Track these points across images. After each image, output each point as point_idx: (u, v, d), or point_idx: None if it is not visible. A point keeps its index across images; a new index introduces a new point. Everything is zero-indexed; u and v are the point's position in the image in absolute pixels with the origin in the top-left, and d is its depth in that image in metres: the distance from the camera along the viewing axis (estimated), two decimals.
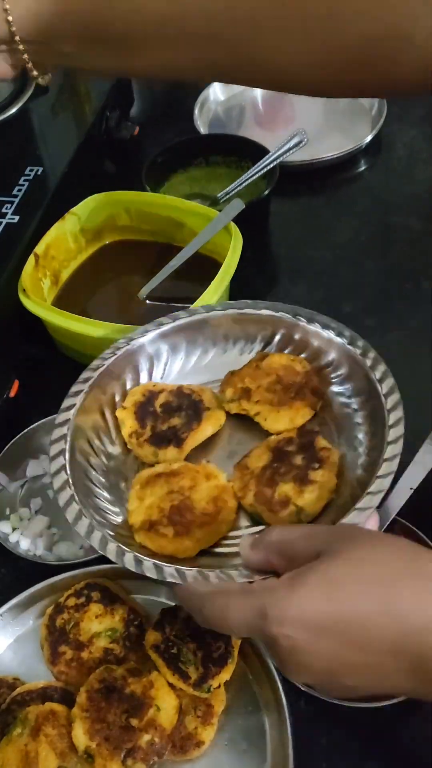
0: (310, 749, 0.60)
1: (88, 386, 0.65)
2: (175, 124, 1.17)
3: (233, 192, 0.98)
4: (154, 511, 0.58)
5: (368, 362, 0.63)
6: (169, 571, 0.53)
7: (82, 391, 0.64)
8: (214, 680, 0.60)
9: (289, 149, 0.98)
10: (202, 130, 1.15)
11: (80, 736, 0.58)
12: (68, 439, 0.61)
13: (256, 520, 0.59)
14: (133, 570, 0.54)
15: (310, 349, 0.67)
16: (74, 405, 0.63)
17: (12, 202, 0.88)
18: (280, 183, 0.96)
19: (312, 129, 1.00)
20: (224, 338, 0.70)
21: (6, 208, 0.87)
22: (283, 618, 0.45)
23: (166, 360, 0.70)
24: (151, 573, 0.53)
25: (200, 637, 0.62)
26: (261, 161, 0.97)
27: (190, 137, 1.09)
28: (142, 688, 0.59)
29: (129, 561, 0.54)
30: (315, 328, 0.67)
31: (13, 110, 0.99)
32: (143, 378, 0.69)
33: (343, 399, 0.65)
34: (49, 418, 0.78)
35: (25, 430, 0.78)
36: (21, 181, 0.90)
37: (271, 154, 0.98)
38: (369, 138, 1.09)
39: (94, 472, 0.62)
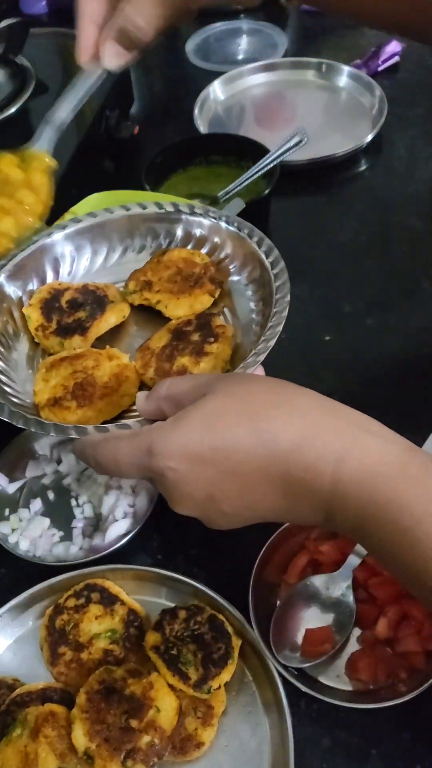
0: (310, 750, 0.60)
1: None
2: (175, 124, 1.17)
3: (233, 191, 0.98)
4: (59, 389, 0.62)
5: (262, 249, 0.68)
6: (70, 428, 0.56)
7: None
8: (214, 681, 0.60)
9: (290, 149, 0.97)
10: (202, 129, 1.14)
11: (80, 737, 0.57)
12: None
13: None
14: (37, 430, 0.57)
15: (210, 243, 0.72)
16: None
17: None
18: (280, 182, 0.96)
19: (312, 128, 1.00)
20: (128, 237, 0.74)
21: None
22: (168, 452, 0.49)
23: (72, 262, 0.73)
24: (53, 431, 0.56)
25: (200, 638, 0.62)
26: (261, 161, 0.97)
27: (190, 137, 1.09)
28: (141, 689, 0.59)
29: (33, 424, 0.57)
30: (211, 221, 0.72)
31: (13, 109, 1.00)
32: (50, 279, 0.72)
33: (240, 286, 0.70)
34: None
35: (25, 431, 0.77)
36: None
37: (271, 153, 0.97)
38: (369, 137, 1.08)
39: (3, 364, 0.66)
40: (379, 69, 1.23)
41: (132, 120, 1.12)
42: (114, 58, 0.70)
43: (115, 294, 0.70)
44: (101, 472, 0.54)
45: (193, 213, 0.73)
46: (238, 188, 0.98)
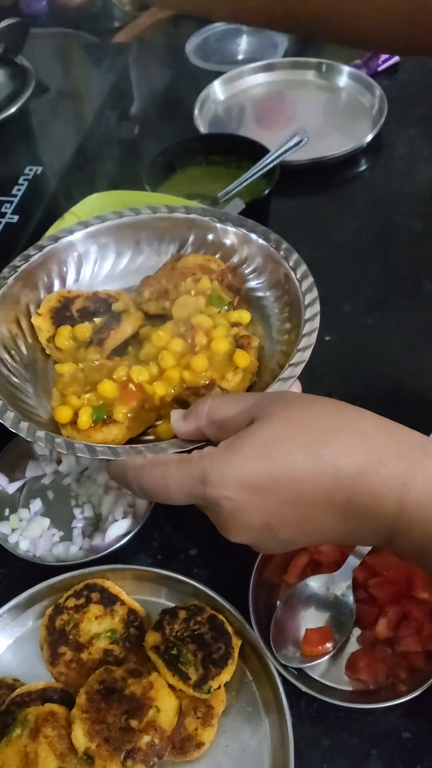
0: (310, 750, 0.60)
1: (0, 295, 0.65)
2: (175, 124, 1.17)
3: (233, 191, 0.98)
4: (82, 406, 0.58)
5: (282, 253, 0.65)
6: (101, 449, 0.54)
7: None
8: (214, 681, 0.60)
9: (290, 149, 0.97)
10: (202, 129, 1.14)
11: (80, 737, 0.57)
12: None
13: (183, 406, 0.59)
14: (65, 452, 0.54)
15: (224, 249, 0.68)
16: None
17: (11, 202, 0.88)
18: (280, 182, 0.96)
19: (312, 128, 1.00)
20: (137, 243, 0.71)
21: (5, 208, 0.87)
22: (224, 481, 0.47)
23: (78, 268, 0.70)
24: (82, 453, 0.53)
25: (200, 638, 0.62)
26: (261, 161, 0.97)
27: (190, 137, 1.09)
28: (141, 689, 0.59)
29: (60, 444, 0.54)
30: (227, 227, 0.68)
31: (13, 109, 1.00)
32: (56, 286, 0.69)
33: (259, 293, 0.66)
34: None
35: None
36: (20, 181, 0.90)
37: (271, 153, 0.97)
38: (369, 137, 1.08)
39: (15, 379, 0.62)
40: (379, 69, 1.23)
41: (132, 120, 1.12)
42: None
43: (128, 301, 0.67)
44: (144, 497, 0.53)
45: (206, 216, 0.70)
46: (238, 188, 0.98)
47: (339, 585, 0.66)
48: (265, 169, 0.97)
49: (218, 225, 0.69)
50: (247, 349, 0.61)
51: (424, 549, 0.47)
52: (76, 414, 0.58)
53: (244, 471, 0.47)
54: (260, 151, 0.99)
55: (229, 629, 0.63)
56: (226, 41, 1.37)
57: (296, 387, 0.58)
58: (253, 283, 0.67)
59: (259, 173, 0.97)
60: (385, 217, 1.02)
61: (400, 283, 0.94)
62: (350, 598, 0.65)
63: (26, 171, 0.92)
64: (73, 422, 0.58)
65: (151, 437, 0.59)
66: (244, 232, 0.68)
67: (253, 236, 0.67)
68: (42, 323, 0.66)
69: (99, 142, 1.03)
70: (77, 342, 0.65)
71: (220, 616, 0.63)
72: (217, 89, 1.22)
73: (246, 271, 0.68)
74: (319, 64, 1.23)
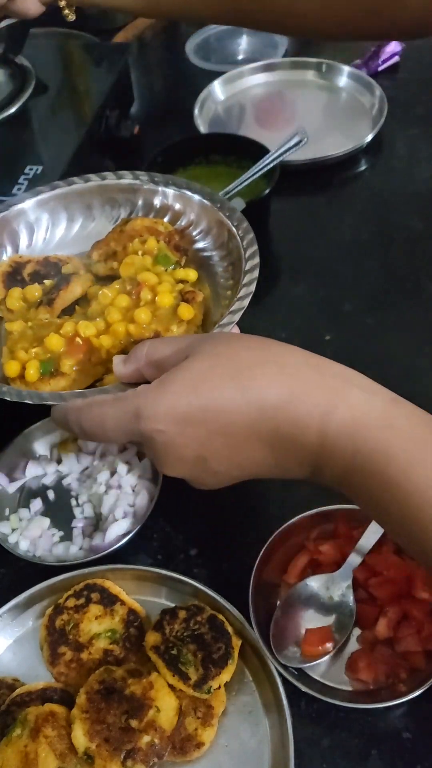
0: (310, 750, 0.60)
1: None
2: (175, 123, 1.17)
3: (233, 191, 0.97)
4: (30, 361, 0.62)
5: (225, 213, 0.69)
6: (47, 394, 0.57)
7: None
8: (214, 681, 0.60)
9: (290, 148, 0.97)
10: (202, 129, 1.14)
11: (80, 737, 0.57)
12: None
13: None
14: (14, 399, 0.56)
15: (172, 212, 0.72)
16: None
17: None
18: (280, 182, 0.96)
19: (312, 128, 1.00)
20: (88, 209, 0.73)
21: None
22: (156, 415, 0.49)
23: (30, 234, 0.73)
24: (30, 399, 0.56)
25: (200, 638, 0.62)
26: (261, 160, 0.97)
27: (190, 136, 1.09)
28: (141, 689, 0.59)
29: (10, 392, 0.57)
30: (172, 190, 0.72)
31: (13, 109, 1.00)
32: (9, 251, 0.72)
33: (206, 254, 0.70)
34: (49, 418, 0.78)
35: (25, 431, 0.77)
36: (20, 180, 0.90)
37: (271, 153, 0.97)
38: (369, 137, 1.08)
39: None
40: (379, 69, 1.23)
41: (132, 120, 1.12)
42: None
43: (77, 265, 0.70)
44: (86, 438, 0.55)
45: (153, 182, 0.73)
46: (238, 188, 0.98)
47: (339, 585, 0.66)
48: (265, 169, 0.97)
49: (164, 189, 0.72)
50: (192, 304, 0.64)
51: (346, 478, 0.48)
52: (24, 368, 0.61)
53: (175, 405, 0.49)
54: (260, 151, 0.99)
55: (229, 629, 0.63)
56: (226, 41, 1.37)
57: (234, 332, 0.61)
58: (200, 244, 0.71)
59: (259, 173, 0.97)
60: (384, 217, 1.02)
61: (400, 282, 0.94)
62: (350, 598, 0.65)
63: (26, 170, 0.91)
64: (22, 376, 0.61)
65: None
66: (189, 194, 0.71)
67: (197, 198, 0.71)
68: None
69: (99, 141, 1.03)
70: (28, 303, 0.68)
71: (220, 616, 0.63)
72: (217, 89, 1.22)
73: (193, 233, 0.71)
74: (319, 64, 1.23)
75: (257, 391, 0.48)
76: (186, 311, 0.63)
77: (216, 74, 1.23)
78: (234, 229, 0.67)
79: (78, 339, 0.62)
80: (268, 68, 1.25)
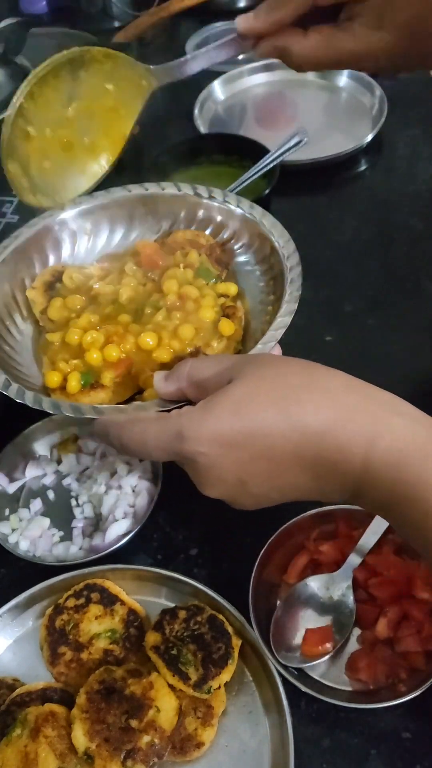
0: (310, 750, 0.60)
1: None
2: (176, 124, 1.17)
3: (234, 191, 0.98)
4: (71, 372, 0.61)
5: (267, 227, 0.68)
6: (87, 408, 0.56)
7: None
8: (214, 681, 0.60)
9: (290, 149, 0.97)
10: (203, 129, 1.14)
11: (80, 737, 0.57)
12: None
13: None
14: (51, 411, 0.56)
15: (214, 225, 0.71)
16: None
17: (11, 202, 0.88)
18: (280, 182, 0.96)
19: (313, 128, 1.00)
20: (130, 219, 0.73)
21: (6, 208, 0.87)
22: (199, 437, 0.49)
23: (73, 244, 0.72)
24: (68, 412, 0.56)
25: (200, 638, 0.62)
26: (261, 160, 0.97)
27: (191, 137, 1.09)
28: (141, 689, 0.59)
29: (47, 404, 0.57)
30: (215, 203, 0.71)
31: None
32: (51, 260, 0.71)
33: (247, 267, 0.69)
34: (48, 418, 0.78)
35: (25, 431, 0.77)
36: None
37: (271, 153, 0.97)
38: (370, 137, 1.08)
39: (8, 347, 0.65)
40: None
41: None
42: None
43: (119, 275, 0.69)
44: (125, 453, 0.55)
45: (196, 194, 0.72)
46: (239, 188, 0.98)
47: (339, 585, 0.66)
48: (266, 169, 0.97)
49: (207, 201, 0.71)
50: (233, 319, 0.63)
51: (388, 505, 0.48)
52: (65, 380, 0.60)
53: (218, 427, 0.49)
54: (260, 151, 0.99)
55: (229, 629, 0.63)
56: None
57: (276, 351, 0.60)
58: (241, 258, 0.70)
59: (259, 173, 0.97)
60: (385, 217, 1.02)
61: (400, 283, 0.94)
62: (350, 598, 0.65)
63: None
64: (63, 387, 0.60)
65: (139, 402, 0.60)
66: (231, 207, 0.70)
67: (239, 211, 0.70)
68: (36, 296, 0.68)
69: None
70: (69, 312, 0.67)
71: (220, 616, 0.63)
72: (218, 89, 1.22)
73: (235, 247, 0.70)
74: None
75: (301, 416, 0.48)
76: (227, 327, 0.63)
77: (216, 74, 1.23)
78: (277, 244, 0.67)
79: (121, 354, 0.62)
80: (268, 68, 1.25)
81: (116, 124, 0.76)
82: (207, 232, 0.71)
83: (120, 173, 1.09)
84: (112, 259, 0.72)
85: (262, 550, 0.66)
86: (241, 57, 1.34)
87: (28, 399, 0.57)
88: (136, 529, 0.70)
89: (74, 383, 0.60)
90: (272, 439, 0.48)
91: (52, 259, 0.71)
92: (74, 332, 0.63)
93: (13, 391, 0.58)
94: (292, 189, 1.02)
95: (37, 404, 0.57)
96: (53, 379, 0.61)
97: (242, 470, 0.50)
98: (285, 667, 0.61)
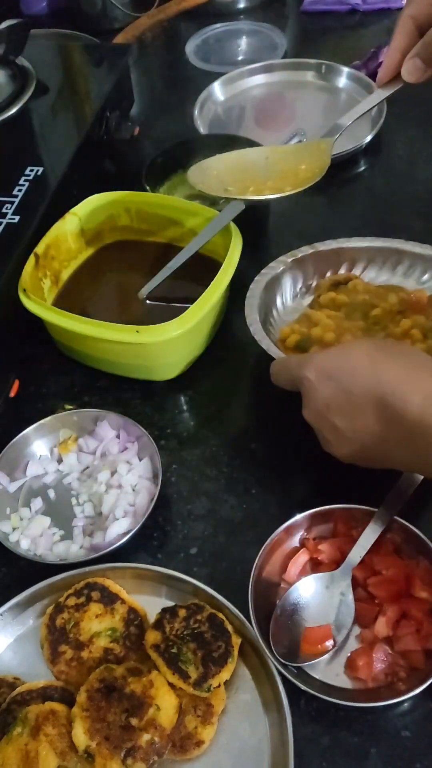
0: (310, 749, 0.60)
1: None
2: (175, 124, 1.17)
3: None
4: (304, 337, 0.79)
5: None
6: (275, 351, 0.76)
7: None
8: (214, 679, 0.60)
9: None
10: (202, 130, 1.15)
11: (80, 735, 0.58)
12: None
13: None
14: (267, 351, 0.76)
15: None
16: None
17: (12, 202, 0.88)
18: None
19: (312, 129, 1.00)
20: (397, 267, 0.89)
21: (6, 208, 0.88)
22: (309, 365, 0.65)
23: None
24: (277, 354, 0.75)
25: (200, 636, 0.62)
26: None
27: (190, 137, 1.09)
28: (142, 687, 0.60)
29: (271, 350, 0.76)
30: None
31: (14, 110, 1.00)
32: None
33: None
34: (49, 418, 0.78)
35: (25, 430, 0.78)
36: (21, 181, 0.90)
37: None
38: (369, 138, 1.09)
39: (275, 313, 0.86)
40: (379, 70, 1.22)
41: (132, 120, 1.12)
42: (413, 72, 0.82)
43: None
44: (275, 380, 0.72)
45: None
46: None
47: (338, 584, 0.66)
48: None
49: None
50: None
51: None
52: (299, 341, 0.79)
53: (323, 361, 0.64)
54: None
55: (229, 628, 0.63)
56: (226, 42, 1.37)
57: None
58: None
59: None
60: (385, 217, 1.02)
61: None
62: (349, 597, 0.65)
63: (27, 171, 0.92)
64: (294, 348, 0.79)
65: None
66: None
67: None
68: (323, 285, 0.87)
69: (99, 142, 1.03)
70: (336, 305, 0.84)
71: (220, 615, 0.63)
72: (217, 90, 1.22)
73: None
74: (318, 65, 1.23)
75: (382, 367, 0.60)
76: None
77: (216, 75, 1.23)
78: None
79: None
80: (267, 69, 1.25)
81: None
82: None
83: (121, 174, 1.09)
84: (388, 289, 0.85)
85: (262, 549, 0.66)
86: (240, 58, 1.35)
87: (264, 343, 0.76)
88: (137, 528, 0.70)
89: (292, 340, 0.79)
90: (355, 378, 0.61)
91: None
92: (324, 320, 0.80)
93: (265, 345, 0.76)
94: None
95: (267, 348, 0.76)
96: (291, 338, 0.79)
97: (329, 397, 0.62)
98: (284, 666, 0.62)
